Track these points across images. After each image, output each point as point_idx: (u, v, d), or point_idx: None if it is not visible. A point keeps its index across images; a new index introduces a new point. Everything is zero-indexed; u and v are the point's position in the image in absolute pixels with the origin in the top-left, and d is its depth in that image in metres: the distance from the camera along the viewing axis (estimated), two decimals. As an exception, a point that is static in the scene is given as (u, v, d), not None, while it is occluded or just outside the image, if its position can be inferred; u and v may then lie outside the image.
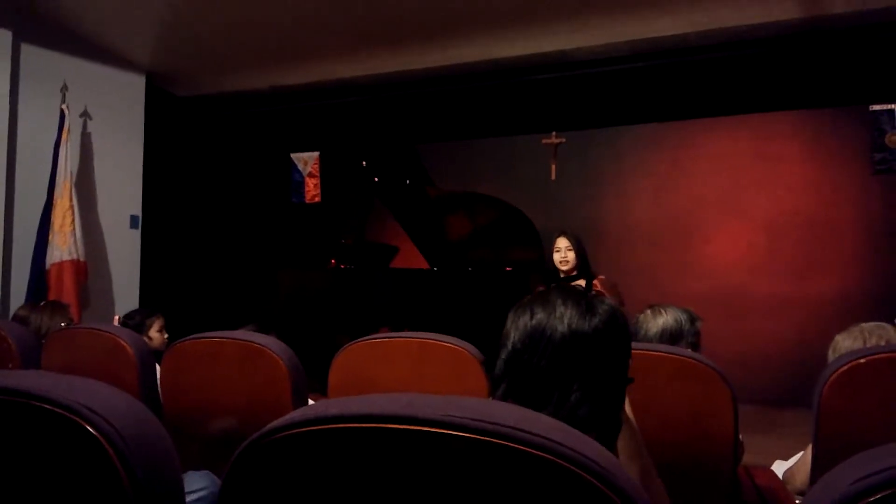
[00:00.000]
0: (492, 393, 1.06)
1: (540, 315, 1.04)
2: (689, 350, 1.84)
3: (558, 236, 3.71)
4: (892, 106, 4.51)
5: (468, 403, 0.67)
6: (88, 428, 0.79)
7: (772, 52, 4.84)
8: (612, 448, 1.04)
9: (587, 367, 1.00)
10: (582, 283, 3.61)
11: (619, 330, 1.06)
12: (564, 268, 3.64)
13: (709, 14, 4.49)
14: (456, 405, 0.66)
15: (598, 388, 1.00)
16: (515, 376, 1.02)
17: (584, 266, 3.66)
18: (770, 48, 4.80)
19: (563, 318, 1.02)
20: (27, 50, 4.72)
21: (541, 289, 3.23)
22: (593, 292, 3.11)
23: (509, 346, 1.05)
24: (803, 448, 2.37)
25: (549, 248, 3.80)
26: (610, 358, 1.04)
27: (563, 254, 3.63)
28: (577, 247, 3.64)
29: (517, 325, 1.05)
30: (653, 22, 4.62)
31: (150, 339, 3.09)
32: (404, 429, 0.65)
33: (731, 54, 4.90)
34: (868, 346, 1.81)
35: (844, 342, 1.85)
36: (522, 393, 1.01)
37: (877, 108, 4.55)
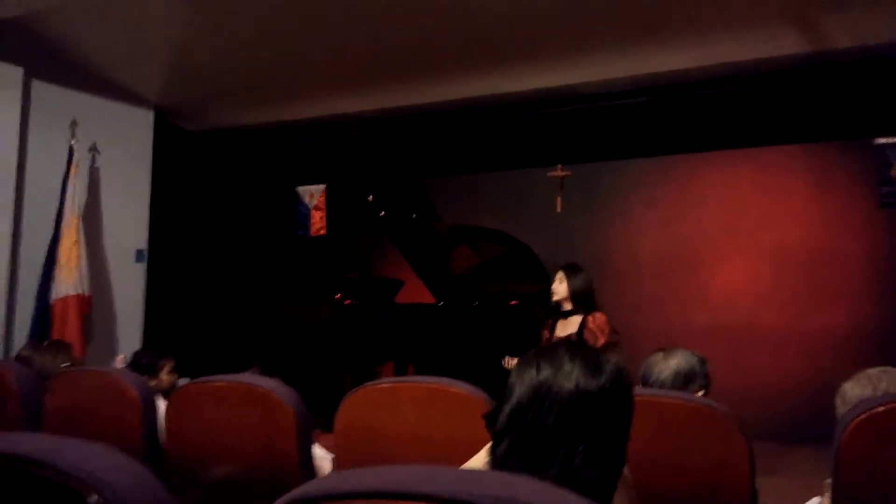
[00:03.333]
0: (493, 448, 1.04)
1: (546, 371, 1.02)
2: (703, 396, 1.81)
3: (559, 270, 3.71)
4: (898, 139, 4.51)
5: (491, 480, 0.65)
6: (90, 498, 0.77)
7: (776, 86, 4.87)
8: None
9: (593, 428, 0.99)
10: (576, 320, 3.58)
11: (625, 390, 1.05)
12: (553, 298, 3.65)
13: (712, 49, 4.52)
14: (479, 481, 0.64)
15: (603, 450, 0.99)
16: (519, 433, 1.00)
17: (583, 301, 3.62)
18: (774, 82, 4.83)
19: (571, 375, 1.01)
20: (38, 86, 4.78)
21: (546, 326, 3.20)
22: (588, 327, 3.07)
23: (514, 400, 1.03)
24: (812, 488, 2.32)
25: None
26: (616, 418, 1.03)
27: (555, 286, 3.63)
28: (573, 280, 3.62)
29: (522, 380, 1.04)
30: (657, 57, 4.66)
31: (160, 380, 3.07)
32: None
33: (735, 88, 4.92)
34: (878, 392, 1.77)
35: (853, 390, 1.81)
36: (526, 451, 0.99)
37: (882, 141, 4.55)
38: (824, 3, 3.97)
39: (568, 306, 3.62)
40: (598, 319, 3.55)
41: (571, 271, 3.65)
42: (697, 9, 4.03)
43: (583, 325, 3.55)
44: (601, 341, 3.47)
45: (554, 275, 3.72)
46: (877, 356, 4.46)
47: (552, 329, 3.67)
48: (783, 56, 4.52)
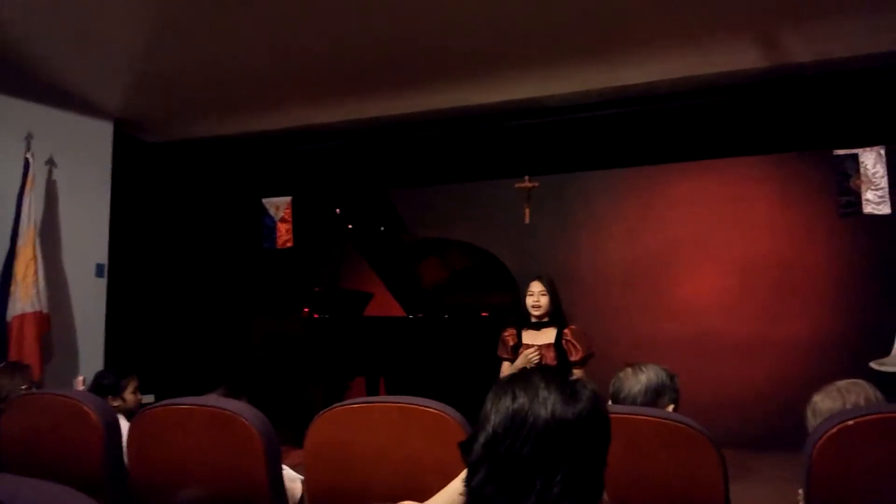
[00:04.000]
0: (469, 479, 1.01)
1: (522, 399, 1.00)
2: (673, 410, 1.81)
3: (534, 280, 3.69)
4: (856, 150, 4.62)
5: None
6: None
7: (739, 99, 4.96)
8: None
9: (570, 456, 0.97)
10: (551, 332, 3.58)
11: (602, 417, 1.04)
12: (536, 312, 3.60)
13: (677, 63, 4.59)
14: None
15: (581, 477, 0.98)
16: (495, 462, 0.98)
17: (556, 313, 3.63)
18: (737, 95, 4.92)
19: (547, 402, 0.99)
20: (-8, 97, 4.64)
21: (509, 333, 3.21)
22: (567, 339, 3.08)
23: (489, 429, 1.01)
24: (781, 494, 2.33)
25: (525, 292, 3.77)
26: (593, 445, 1.01)
27: (536, 298, 3.60)
28: (552, 292, 3.62)
29: (497, 409, 1.02)
30: (623, 70, 4.71)
31: (124, 400, 2.98)
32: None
33: (700, 101, 5.00)
34: (848, 405, 1.79)
35: (824, 403, 1.83)
36: (502, 481, 0.97)
37: (841, 152, 4.66)
38: (785, 20, 4.05)
39: (545, 318, 3.61)
40: (576, 332, 3.58)
41: (551, 284, 3.65)
42: (662, 23, 4.09)
43: (560, 337, 3.56)
44: (581, 353, 3.49)
45: (527, 286, 3.70)
46: (840, 364, 4.56)
47: (518, 337, 3.65)
48: (746, 70, 4.61)
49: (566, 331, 3.56)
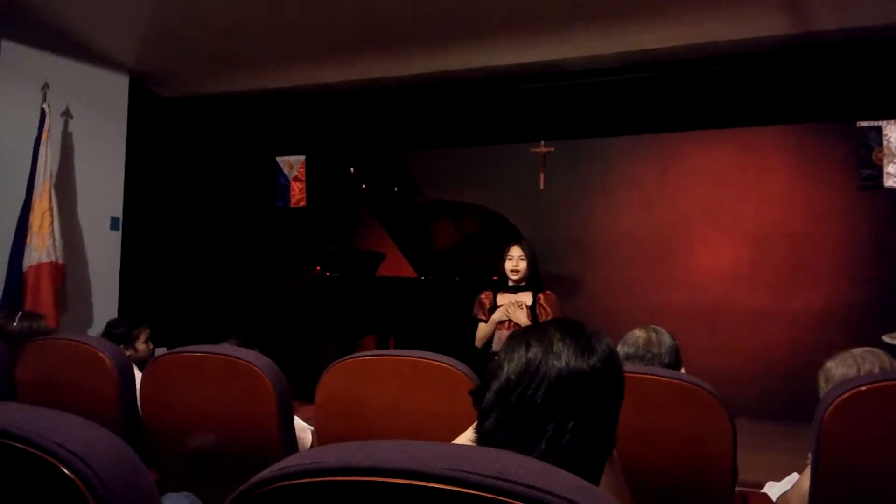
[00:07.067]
0: (479, 424, 1.02)
1: (535, 349, 1.00)
2: (687, 374, 1.81)
3: (513, 245, 3.68)
4: (880, 123, 4.53)
5: (478, 455, 0.62)
6: (64, 469, 0.74)
7: (760, 67, 4.86)
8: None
9: (582, 407, 0.97)
10: (528, 295, 3.59)
11: (616, 371, 1.03)
12: (515, 276, 3.60)
13: (698, 28, 4.49)
14: (466, 457, 0.61)
15: (592, 430, 0.97)
16: (507, 409, 0.98)
17: (533, 277, 3.64)
18: (758, 63, 4.82)
19: (561, 354, 0.99)
20: (8, 47, 4.62)
21: (486, 296, 3.22)
22: (541, 304, 3.11)
23: (502, 377, 1.00)
24: (789, 464, 2.34)
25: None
26: (606, 398, 1.01)
27: (515, 262, 3.59)
28: (530, 256, 3.62)
29: (511, 358, 1.01)
30: (643, 35, 4.62)
31: (136, 350, 3.02)
32: (411, 484, 0.60)
33: (720, 68, 4.91)
34: (862, 372, 1.78)
35: (838, 370, 1.82)
36: (513, 427, 0.97)
37: (864, 124, 4.56)
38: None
39: (521, 282, 3.62)
40: (550, 297, 3.60)
41: (530, 249, 3.65)
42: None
43: (535, 302, 3.58)
44: (550, 318, 3.51)
45: (506, 250, 3.68)
46: (853, 337, 4.53)
47: (494, 300, 3.66)
48: (768, 36, 4.50)
49: (541, 295, 3.58)
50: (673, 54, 4.81)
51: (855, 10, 4.16)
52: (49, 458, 0.73)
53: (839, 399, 1.48)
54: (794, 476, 2.06)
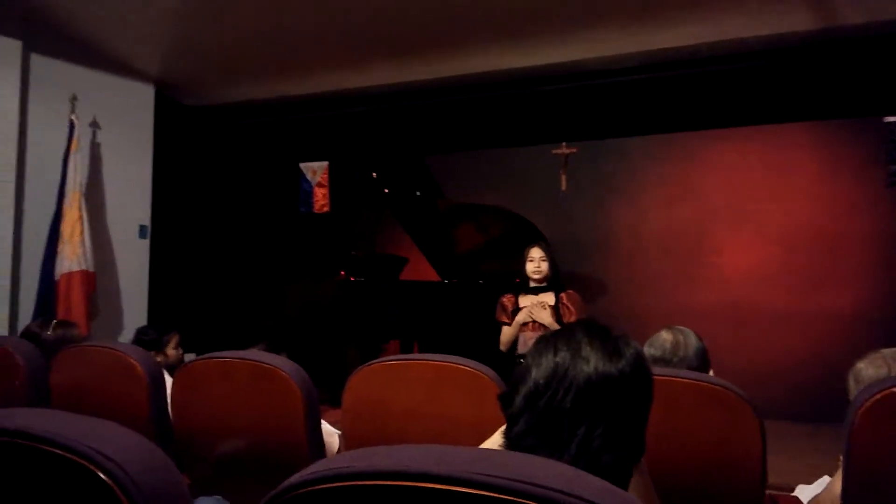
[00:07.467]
0: (508, 429, 1.02)
1: (563, 353, 1.00)
2: (715, 377, 1.79)
3: (533, 246, 3.69)
4: (907, 118, 4.46)
5: (506, 460, 0.63)
6: (100, 474, 0.75)
7: (784, 63, 4.80)
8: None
9: (611, 412, 0.97)
10: (550, 296, 3.59)
11: (645, 374, 1.03)
12: (537, 277, 3.62)
13: (720, 26, 4.45)
14: (494, 462, 0.62)
15: (621, 434, 0.97)
16: (535, 414, 0.98)
17: (555, 278, 3.65)
18: (782, 59, 4.76)
19: (589, 359, 0.99)
20: (37, 60, 4.72)
21: (507, 298, 3.22)
22: (563, 303, 3.12)
23: (530, 382, 1.00)
24: (819, 466, 2.31)
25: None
26: (635, 403, 1.01)
27: (537, 264, 3.61)
28: (551, 258, 3.63)
29: (539, 363, 1.02)
30: (664, 33, 4.59)
31: (166, 355, 3.07)
32: (439, 489, 0.60)
33: (743, 66, 4.86)
34: (893, 373, 1.75)
35: (868, 370, 1.79)
36: (542, 432, 0.97)
37: (891, 119, 4.50)
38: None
39: (543, 283, 3.63)
40: (573, 297, 3.60)
41: (550, 249, 3.66)
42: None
43: (558, 301, 3.58)
44: (574, 317, 3.52)
45: (527, 252, 3.68)
46: (882, 337, 4.46)
47: (517, 302, 3.67)
48: (792, 32, 4.45)
49: (563, 294, 3.60)
50: (696, 52, 4.77)
51: (881, 4, 4.10)
52: (86, 463, 0.75)
53: (871, 400, 1.46)
54: (826, 479, 2.03)
